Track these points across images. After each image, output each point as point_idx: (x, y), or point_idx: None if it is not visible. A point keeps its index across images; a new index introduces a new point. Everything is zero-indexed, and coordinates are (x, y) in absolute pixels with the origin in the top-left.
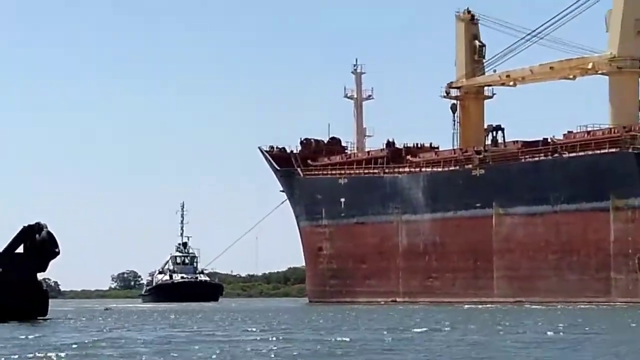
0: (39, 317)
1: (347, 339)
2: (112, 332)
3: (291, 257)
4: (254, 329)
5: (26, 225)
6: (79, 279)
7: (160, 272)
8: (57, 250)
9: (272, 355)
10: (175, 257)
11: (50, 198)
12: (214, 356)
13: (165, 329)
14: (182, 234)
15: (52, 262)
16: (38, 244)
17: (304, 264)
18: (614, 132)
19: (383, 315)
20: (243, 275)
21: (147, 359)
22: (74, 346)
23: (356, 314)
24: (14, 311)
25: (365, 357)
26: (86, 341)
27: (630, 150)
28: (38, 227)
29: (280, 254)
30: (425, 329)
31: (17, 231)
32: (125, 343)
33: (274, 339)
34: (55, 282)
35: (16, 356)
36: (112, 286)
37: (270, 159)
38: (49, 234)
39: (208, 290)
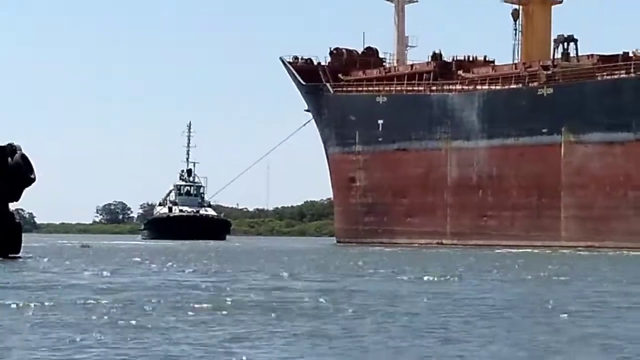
0: (9, 255)
1: None
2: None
3: (309, 189)
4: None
5: None
6: (58, 211)
7: (161, 204)
8: (32, 176)
9: None
10: (179, 186)
11: (28, 117)
12: None
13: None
14: (187, 160)
15: (26, 190)
16: (10, 168)
17: (322, 197)
18: None
19: None
20: (251, 209)
21: None
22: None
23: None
24: None
25: None
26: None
27: None
28: (10, 149)
29: (296, 185)
30: None
31: None
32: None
33: None
34: (30, 214)
35: None
36: (97, 219)
37: (294, 71)
38: (24, 157)
39: (213, 226)
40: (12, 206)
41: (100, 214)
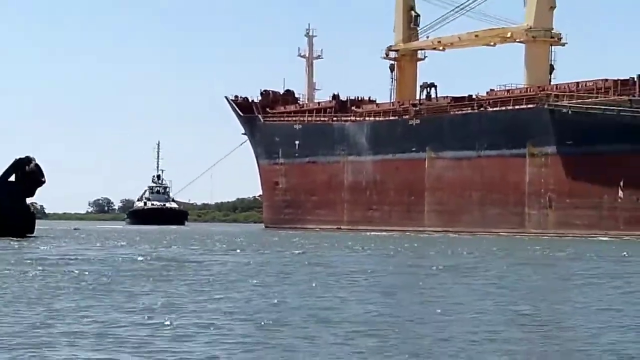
0: (27, 234)
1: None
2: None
3: (240, 189)
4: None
5: (18, 158)
6: (61, 204)
7: (138, 200)
8: (43, 179)
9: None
10: (152, 187)
11: (37, 134)
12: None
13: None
14: (157, 168)
15: (39, 189)
16: (28, 174)
17: (249, 195)
18: (530, 91)
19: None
20: (199, 203)
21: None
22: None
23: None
24: (6, 229)
25: None
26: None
27: (545, 107)
28: (27, 160)
29: (232, 186)
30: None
31: (10, 163)
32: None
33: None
34: (42, 206)
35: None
36: (89, 210)
37: (235, 106)
38: (37, 165)
39: (175, 215)
40: (29, 200)
41: (91, 206)
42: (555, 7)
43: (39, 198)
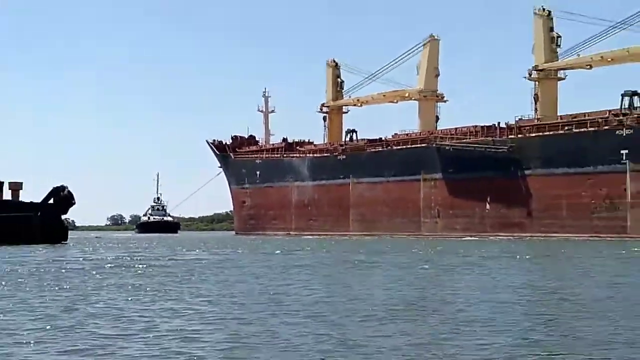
0: (62, 242)
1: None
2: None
3: (216, 206)
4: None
5: (55, 186)
6: (87, 219)
7: (144, 215)
8: (74, 202)
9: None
10: (153, 206)
11: (68, 166)
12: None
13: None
14: (157, 191)
15: (70, 209)
16: (62, 198)
17: (223, 210)
18: (423, 134)
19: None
20: (187, 217)
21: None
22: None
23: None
24: (47, 238)
25: None
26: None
27: (433, 146)
28: (62, 187)
29: (210, 204)
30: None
31: (49, 190)
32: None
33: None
34: (73, 221)
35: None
36: (107, 223)
37: (213, 147)
38: (69, 191)
39: (171, 226)
40: (63, 217)
41: (109, 220)
42: (439, 74)
43: (71, 215)
